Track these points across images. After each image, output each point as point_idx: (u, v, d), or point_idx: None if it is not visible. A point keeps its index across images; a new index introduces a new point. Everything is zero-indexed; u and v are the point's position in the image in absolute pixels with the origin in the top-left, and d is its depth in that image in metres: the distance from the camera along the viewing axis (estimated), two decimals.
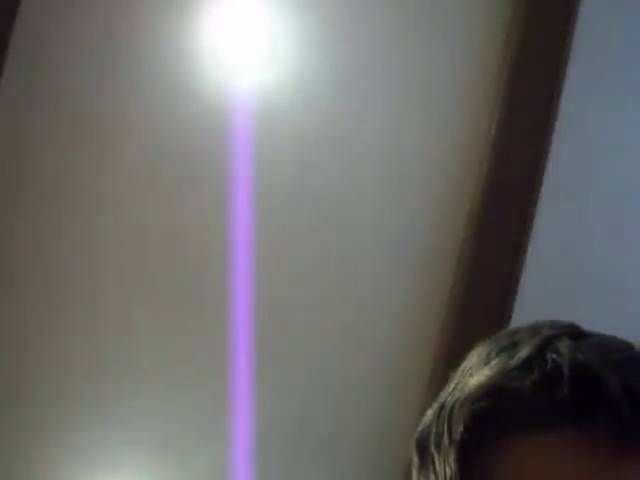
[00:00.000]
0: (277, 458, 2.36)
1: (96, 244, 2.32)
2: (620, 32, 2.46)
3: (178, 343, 2.34)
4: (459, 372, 0.85)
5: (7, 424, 2.28)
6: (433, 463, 0.83)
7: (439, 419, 0.83)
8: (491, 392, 0.79)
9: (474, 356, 0.85)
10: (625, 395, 0.76)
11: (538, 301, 2.37)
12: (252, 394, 2.30)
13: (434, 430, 0.83)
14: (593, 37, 2.44)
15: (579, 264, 2.44)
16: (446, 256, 2.42)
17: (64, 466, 2.30)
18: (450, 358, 2.21)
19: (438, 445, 0.82)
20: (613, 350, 0.80)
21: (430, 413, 0.85)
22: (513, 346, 0.82)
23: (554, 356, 0.78)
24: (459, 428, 0.80)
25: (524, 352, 0.80)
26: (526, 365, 0.79)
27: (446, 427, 0.81)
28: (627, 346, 0.83)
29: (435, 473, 0.83)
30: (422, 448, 0.85)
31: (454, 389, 0.83)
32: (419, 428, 0.86)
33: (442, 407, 0.83)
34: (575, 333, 0.83)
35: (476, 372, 0.82)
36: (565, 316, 0.87)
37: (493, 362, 0.81)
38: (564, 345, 0.80)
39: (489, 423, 0.78)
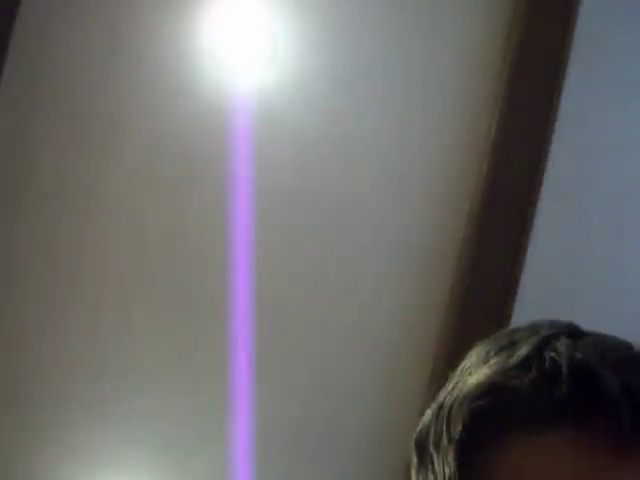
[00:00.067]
0: (277, 458, 2.36)
1: (96, 244, 2.32)
2: (620, 32, 2.46)
3: (178, 343, 2.34)
4: (458, 372, 0.85)
5: (7, 424, 2.28)
6: (432, 463, 0.83)
7: (438, 419, 0.83)
8: (490, 391, 0.79)
9: (473, 356, 0.85)
10: (624, 394, 0.75)
11: (538, 301, 2.37)
12: (252, 394, 2.30)
13: (433, 430, 0.83)
14: (593, 37, 2.44)
15: (579, 264, 2.44)
16: (446, 256, 2.42)
17: (64, 466, 2.30)
18: (450, 358, 2.21)
19: (437, 444, 0.82)
20: (612, 349, 0.80)
21: (429, 413, 0.85)
22: (512, 345, 0.82)
23: (553, 355, 0.78)
24: (458, 427, 0.80)
25: (523, 351, 0.80)
26: (525, 364, 0.79)
27: (445, 426, 0.81)
28: (626, 346, 0.83)
29: (434, 473, 0.83)
30: (421, 448, 0.85)
31: (453, 388, 0.83)
32: (418, 428, 0.86)
33: (441, 407, 0.83)
34: (574, 332, 0.83)
35: (475, 371, 0.82)
36: (565, 316, 0.87)
37: (492, 361, 0.81)
38: (563, 344, 0.79)
39: (488, 422, 0.78)
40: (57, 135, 2.31)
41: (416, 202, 2.43)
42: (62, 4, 2.32)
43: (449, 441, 0.81)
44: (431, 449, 0.83)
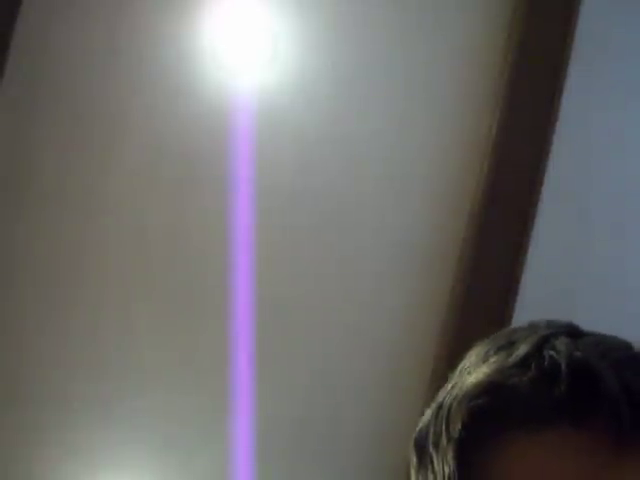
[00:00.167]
0: (278, 458, 2.36)
1: (97, 244, 2.32)
2: (621, 32, 2.47)
3: (179, 343, 2.35)
4: (457, 372, 0.85)
5: (7, 424, 2.29)
6: (431, 462, 0.83)
7: (437, 418, 0.83)
8: (489, 389, 0.79)
9: (472, 355, 0.85)
10: (624, 393, 0.75)
11: (538, 301, 2.37)
12: (253, 394, 2.30)
13: (432, 429, 0.83)
14: (594, 37, 2.44)
15: (579, 264, 2.44)
16: (447, 256, 2.42)
17: (65, 466, 2.30)
18: (451, 358, 2.21)
19: (436, 444, 0.82)
20: (611, 349, 0.80)
21: (428, 413, 0.85)
22: (511, 345, 0.82)
23: (552, 353, 0.78)
24: (457, 426, 0.80)
25: (522, 350, 0.80)
26: (524, 362, 0.79)
27: (444, 426, 0.81)
28: (626, 345, 0.83)
29: (434, 472, 0.83)
30: (420, 448, 0.85)
31: (452, 388, 0.83)
32: (417, 428, 0.86)
33: (440, 406, 0.83)
34: (573, 332, 0.83)
35: (474, 371, 0.82)
36: (565, 316, 0.87)
37: (491, 360, 0.81)
38: (562, 343, 0.79)
39: (487, 420, 0.78)
40: (58, 135, 2.31)
41: (417, 202, 2.43)
42: (63, 4, 2.32)
43: (448, 440, 0.81)
44: (430, 449, 0.83)
